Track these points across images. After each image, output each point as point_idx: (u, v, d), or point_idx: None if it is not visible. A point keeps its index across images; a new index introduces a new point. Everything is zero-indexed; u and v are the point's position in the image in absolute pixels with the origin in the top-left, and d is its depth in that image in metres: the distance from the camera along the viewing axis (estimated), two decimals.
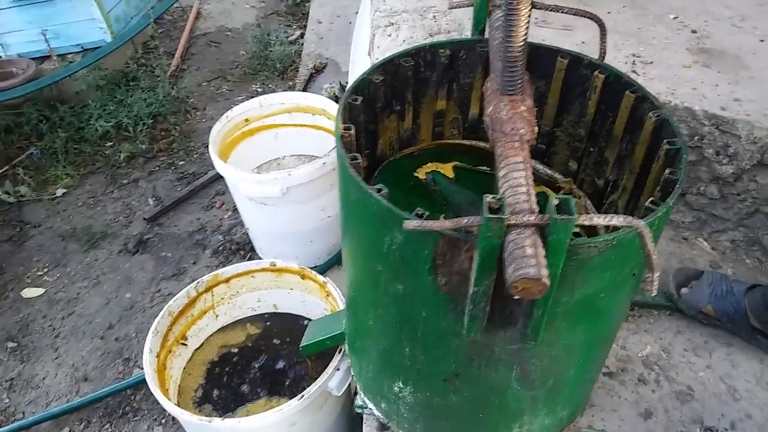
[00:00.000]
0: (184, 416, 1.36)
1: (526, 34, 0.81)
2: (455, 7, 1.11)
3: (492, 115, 0.86)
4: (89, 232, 3.04)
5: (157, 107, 3.72)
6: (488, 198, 0.69)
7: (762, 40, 1.80)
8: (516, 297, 0.70)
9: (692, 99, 1.57)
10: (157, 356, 1.55)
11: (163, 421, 2.29)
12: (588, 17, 1.09)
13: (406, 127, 1.20)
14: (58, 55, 3.76)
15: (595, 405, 1.38)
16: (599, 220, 0.70)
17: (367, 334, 1.11)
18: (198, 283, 1.71)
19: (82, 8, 3.58)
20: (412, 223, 0.72)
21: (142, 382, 2.34)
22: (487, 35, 1.13)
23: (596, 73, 1.08)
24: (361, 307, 1.08)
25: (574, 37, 1.80)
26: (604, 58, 1.12)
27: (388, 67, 1.08)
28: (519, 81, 0.86)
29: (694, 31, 1.84)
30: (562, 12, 1.07)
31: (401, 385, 1.11)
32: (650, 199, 0.86)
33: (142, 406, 2.33)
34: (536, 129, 0.86)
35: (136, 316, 2.64)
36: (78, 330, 2.60)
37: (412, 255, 0.83)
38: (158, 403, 2.33)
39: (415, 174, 1.18)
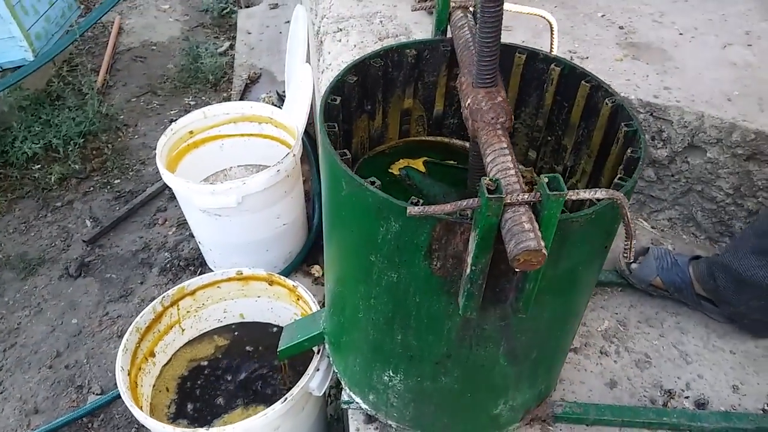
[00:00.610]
0: (166, 431, 1.34)
1: (500, 30, 0.87)
2: (417, 9, 1.17)
3: (471, 107, 0.91)
4: (25, 259, 2.90)
5: (87, 125, 3.59)
6: (486, 180, 0.75)
7: (681, 34, 1.97)
8: (517, 269, 0.76)
9: (627, 89, 1.70)
10: (129, 374, 1.51)
11: None
12: (539, 16, 1.18)
13: (377, 126, 1.25)
14: None
15: (564, 380, 1.47)
16: (585, 194, 0.77)
17: (356, 327, 1.14)
18: (163, 297, 1.68)
19: (1, 26, 3.41)
20: (415, 209, 0.77)
21: (98, 408, 2.26)
22: (449, 35, 1.20)
23: (552, 66, 1.16)
24: (350, 302, 1.11)
25: (514, 37, 1.90)
26: (553, 51, 1.21)
27: (360, 67, 1.12)
28: (494, 74, 0.92)
29: (621, 27, 1.99)
30: (517, 12, 1.15)
31: (391, 373, 1.15)
32: (618, 176, 0.94)
33: None
34: (513, 117, 0.92)
35: (86, 341, 2.54)
36: (23, 361, 2.47)
37: (408, 242, 0.88)
38: (119, 429, 2.28)
39: (390, 170, 1.23)
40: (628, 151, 0.97)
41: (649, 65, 1.82)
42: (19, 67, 3.60)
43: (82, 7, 4.87)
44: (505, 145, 0.85)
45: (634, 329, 1.60)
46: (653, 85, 1.73)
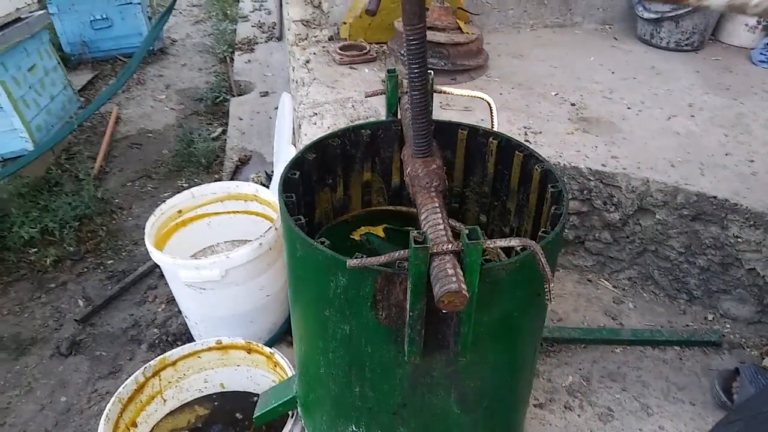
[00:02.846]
0: None
1: (429, 110, 1.02)
2: (371, 96, 1.32)
3: (410, 174, 1.04)
4: (17, 340, 2.96)
5: (82, 209, 3.74)
6: (414, 233, 0.86)
7: (629, 108, 2.15)
8: (444, 311, 0.86)
9: (577, 159, 1.85)
10: None
11: None
12: (478, 97, 1.34)
13: (338, 198, 1.38)
14: None
15: None
16: (501, 242, 0.88)
17: (320, 383, 1.22)
18: (146, 368, 1.75)
19: (3, 119, 3.62)
20: (354, 261, 0.88)
21: None
22: (399, 116, 1.35)
23: (491, 139, 1.31)
24: (313, 358, 1.19)
25: (473, 116, 2.07)
26: (494, 127, 1.36)
27: (319, 146, 1.26)
28: (428, 146, 1.06)
29: (573, 104, 2.17)
30: (460, 95, 1.31)
31: (354, 428, 1.22)
32: (542, 229, 1.05)
33: None
34: (446, 181, 1.05)
35: (74, 418, 2.56)
36: None
37: (355, 294, 0.98)
38: None
39: (351, 236, 1.34)
40: (553, 208, 1.09)
41: (598, 137, 1.98)
42: (19, 156, 3.79)
43: (83, 99, 5.15)
44: (437, 205, 0.97)
45: (597, 384, 1.67)
46: (602, 155, 1.88)
